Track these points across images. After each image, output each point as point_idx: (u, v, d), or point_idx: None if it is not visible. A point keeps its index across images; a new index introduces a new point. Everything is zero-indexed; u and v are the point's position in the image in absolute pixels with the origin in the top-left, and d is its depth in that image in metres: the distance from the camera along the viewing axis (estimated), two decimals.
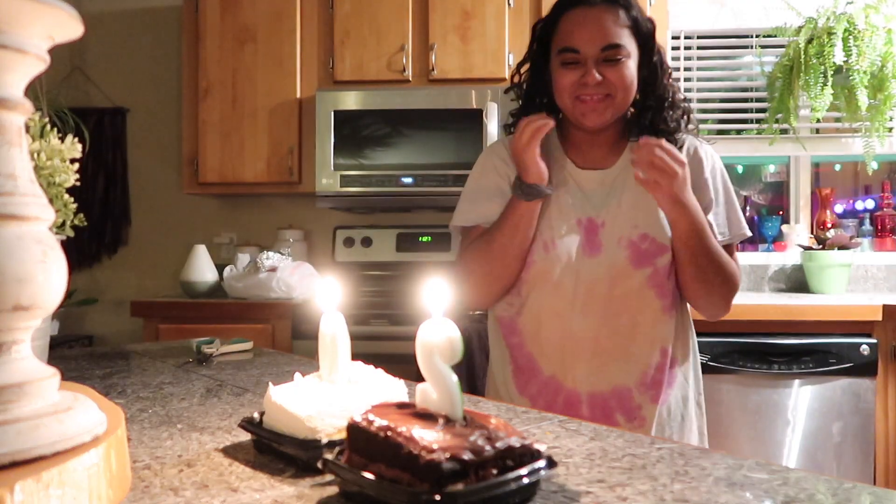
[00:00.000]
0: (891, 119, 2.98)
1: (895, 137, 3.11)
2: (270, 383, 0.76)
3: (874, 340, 2.39)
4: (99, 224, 3.39)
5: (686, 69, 3.25)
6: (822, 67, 2.81)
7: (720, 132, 3.28)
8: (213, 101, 3.06)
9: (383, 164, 2.88)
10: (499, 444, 0.56)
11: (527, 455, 0.57)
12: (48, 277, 0.55)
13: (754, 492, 0.62)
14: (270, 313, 2.72)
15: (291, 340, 2.68)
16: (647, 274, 1.31)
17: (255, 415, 0.77)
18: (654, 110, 1.34)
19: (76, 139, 1.05)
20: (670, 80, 1.38)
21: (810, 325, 2.42)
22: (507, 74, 2.87)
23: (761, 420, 2.41)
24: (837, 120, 3.11)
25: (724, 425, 2.39)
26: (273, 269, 2.74)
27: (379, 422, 0.58)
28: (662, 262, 1.31)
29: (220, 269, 2.98)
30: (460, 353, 0.58)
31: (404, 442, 0.55)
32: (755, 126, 3.26)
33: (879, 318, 2.40)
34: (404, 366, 1.03)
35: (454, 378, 0.59)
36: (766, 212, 3.40)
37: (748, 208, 3.37)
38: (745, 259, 3.13)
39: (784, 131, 3.13)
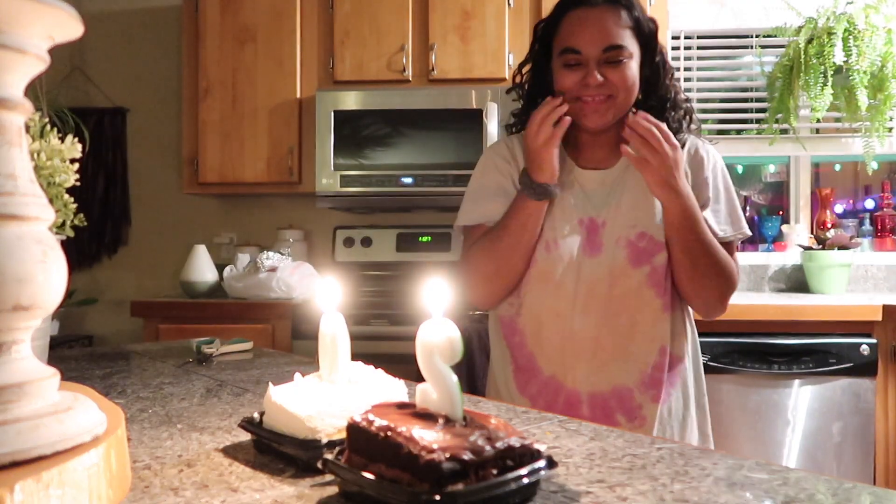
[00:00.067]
0: (891, 119, 2.98)
1: (895, 137, 3.11)
2: (270, 383, 0.76)
3: (874, 340, 2.39)
4: (99, 224, 3.40)
5: (686, 69, 3.25)
6: (822, 67, 2.81)
7: (720, 132, 3.28)
8: (213, 101, 3.06)
9: (383, 164, 2.88)
10: (499, 444, 0.56)
11: (527, 455, 0.57)
12: (48, 277, 0.54)
13: (754, 492, 0.62)
14: (270, 313, 2.72)
15: (291, 340, 2.68)
16: (645, 272, 1.31)
17: (255, 415, 0.76)
18: (656, 110, 1.34)
19: (76, 139, 1.05)
20: (672, 81, 1.38)
21: (810, 325, 2.42)
22: (507, 74, 2.87)
23: (761, 420, 2.41)
24: (837, 120, 3.11)
25: (724, 425, 2.39)
26: (273, 269, 2.74)
27: (379, 422, 0.58)
28: (660, 259, 1.31)
29: (220, 269, 2.98)
30: (460, 353, 0.58)
31: (404, 442, 0.55)
32: (755, 126, 3.26)
33: (879, 318, 2.40)
34: (404, 366, 1.04)
35: (454, 378, 0.59)
36: (766, 212, 3.40)
37: (748, 208, 3.37)
38: (745, 259, 3.13)
39: (784, 131, 3.13)
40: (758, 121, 3.24)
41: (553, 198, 1.31)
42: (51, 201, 0.95)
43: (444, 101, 2.85)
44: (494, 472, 0.55)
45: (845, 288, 2.94)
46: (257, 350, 1.49)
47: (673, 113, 1.36)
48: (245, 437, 0.79)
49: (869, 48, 2.77)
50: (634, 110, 1.28)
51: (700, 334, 1.43)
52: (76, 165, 1.04)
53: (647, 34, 1.32)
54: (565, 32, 1.31)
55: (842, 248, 2.88)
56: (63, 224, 1.05)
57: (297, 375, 0.77)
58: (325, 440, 0.68)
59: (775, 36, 3.05)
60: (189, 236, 3.32)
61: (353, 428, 0.60)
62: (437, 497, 0.52)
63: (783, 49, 3.03)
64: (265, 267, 2.74)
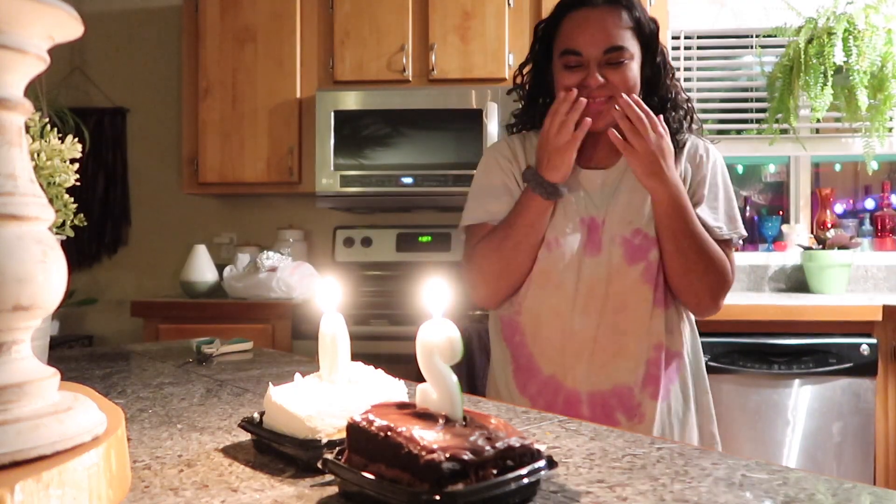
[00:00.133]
0: (891, 119, 2.98)
1: (895, 137, 3.11)
2: (270, 383, 0.76)
3: (874, 340, 2.39)
4: (99, 224, 3.40)
5: (686, 69, 3.25)
6: (822, 67, 2.82)
7: (720, 132, 3.28)
8: (213, 101, 3.06)
9: (383, 164, 2.88)
10: (499, 445, 0.56)
11: (527, 455, 0.57)
12: (48, 277, 0.55)
13: (754, 492, 0.62)
14: (270, 313, 2.72)
15: (291, 340, 2.69)
16: (640, 269, 1.31)
17: (255, 415, 0.76)
18: (657, 111, 1.34)
19: (76, 139, 1.05)
20: (673, 81, 1.38)
21: (810, 325, 2.42)
22: (507, 74, 2.87)
23: (761, 420, 2.41)
24: (837, 120, 3.11)
25: (724, 425, 2.37)
26: (273, 269, 2.74)
27: (379, 422, 0.58)
28: (654, 255, 1.31)
29: (220, 269, 2.98)
30: (460, 353, 0.58)
31: (404, 442, 0.55)
32: (755, 126, 3.26)
33: (879, 318, 2.40)
34: (404, 366, 1.04)
35: (454, 378, 0.59)
36: (766, 212, 3.40)
37: (748, 208, 3.37)
38: (746, 259, 3.13)
39: (784, 131, 3.13)
40: (758, 121, 3.24)
41: (562, 197, 1.31)
42: (51, 201, 0.95)
43: (444, 101, 2.85)
44: (494, 472, 0.55)
45: (845, 288, 2.94)
46: (257, 350, 1.49)
47: (674, 113, 1.37)
48: (245, 437, 0.79)
49: (869, 48, 2.77)
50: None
51: (700, 334, 1.43)
52: (76, 165, 1.04)
53: (647, 35, 1.32)
54: (566, 33, 1.31)
55: (842, 248, 2.88)
56: (63, 224, 1.05)
57: (297, 375, 0.77)
58: (325, 440, 0.68)
59: (775, 36, 3.05)
60: (189, 236, 3.32)
61: (353, 428, 0.60)
62: (437, 497, 0.52)
63: (783, 49, 3.03)
64: (265, 267, 2.74)
